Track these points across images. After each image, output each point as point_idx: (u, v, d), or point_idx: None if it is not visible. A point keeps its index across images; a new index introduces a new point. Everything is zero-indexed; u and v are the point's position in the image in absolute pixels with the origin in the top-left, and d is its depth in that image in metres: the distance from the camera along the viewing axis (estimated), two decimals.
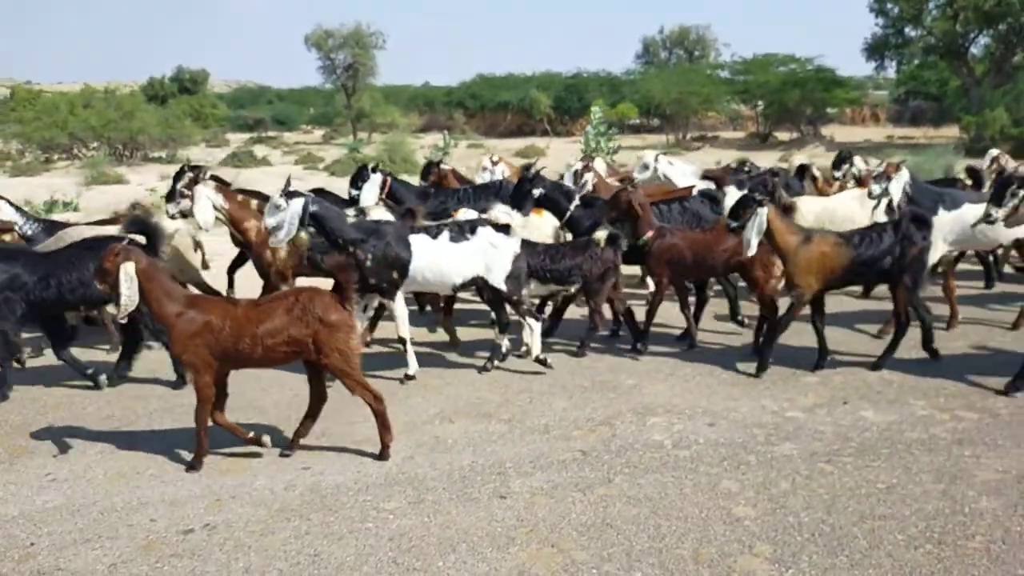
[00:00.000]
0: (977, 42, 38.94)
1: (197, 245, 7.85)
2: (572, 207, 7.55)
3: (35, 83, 75.04)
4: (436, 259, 6.44)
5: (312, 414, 5.38)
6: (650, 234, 7.16)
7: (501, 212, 6.64)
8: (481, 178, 10.38)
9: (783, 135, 43.43)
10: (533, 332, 6.70)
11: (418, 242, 6.50)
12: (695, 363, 7.04)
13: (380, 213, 7.34)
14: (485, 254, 6.52)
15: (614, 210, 7.17)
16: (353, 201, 8.52)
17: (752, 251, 6.43)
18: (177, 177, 7.61)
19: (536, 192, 7.41)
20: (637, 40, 61.93)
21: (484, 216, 6.77)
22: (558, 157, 28.32)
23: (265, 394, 6.55)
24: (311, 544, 4.32)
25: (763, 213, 6.37)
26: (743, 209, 6.43)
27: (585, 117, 49.61)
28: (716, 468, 5.08)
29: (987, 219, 6.10)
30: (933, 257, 6.91)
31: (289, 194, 6.13)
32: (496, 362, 6.94)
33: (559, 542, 4.27)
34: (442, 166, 10.49)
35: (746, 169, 11.04)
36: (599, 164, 11.15)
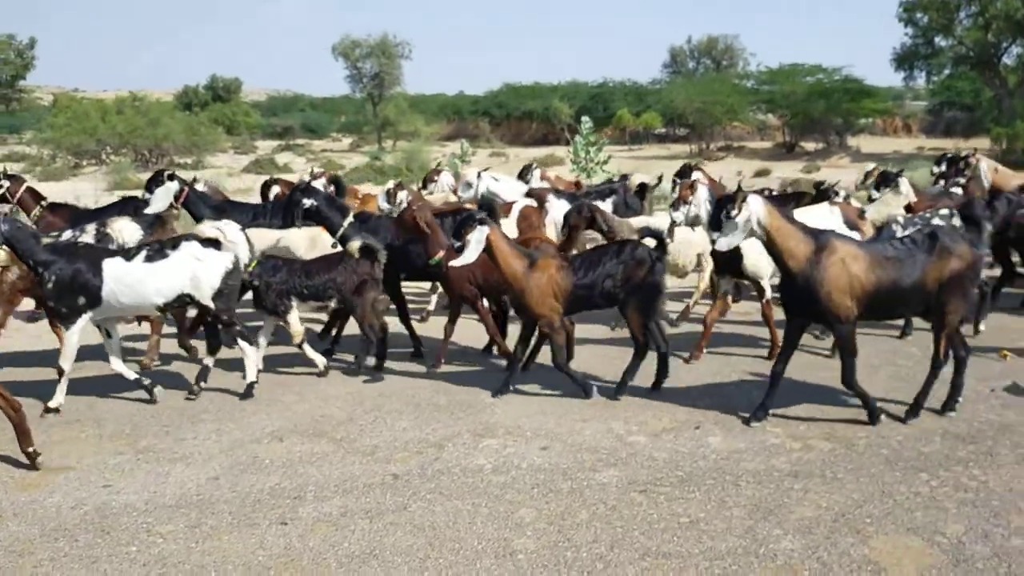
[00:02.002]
0: (1009, 52, 37.91)
1: None
2: (346, 223, 7.32)
3: (81, 90, 76.90)
4: (131, 281, 6.14)
5: None
6: (441, 253, 6.81)
7: (208, 227, 6.43)
8: (463, 193, 10.11)
9: (809, 145, 42.69)
10: (247, 356, 6.49)
11: (111, 265, 6.17)
12: (565, 384, 6.76)
13: (127, 227, 7.04)
14: (189, 271, 6.24)
15: (402, 229, 6.93)
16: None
17: (464, 263, 6.20)
18: None
19: (307, 203, 7.20)
20: (664, 50, 61.48)
21: (196, 230, 6.52)
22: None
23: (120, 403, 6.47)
24: (60, 567, 4.18)
25: (483, 232, 6.09)
26: (465, 228, 6.16)
27: (611, 126, 49.66)
28: (523, 495, 4.85)
29: (712, 244, 5.76)
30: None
31: None
32: (202, 383, 6.65)
33: (314, 574, 4.08)
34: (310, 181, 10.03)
35: (651, 184, 10.65)
36: (445, 178, 10.84)
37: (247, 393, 6.48)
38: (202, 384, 6.60)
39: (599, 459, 5.32)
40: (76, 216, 8.29)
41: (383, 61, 49.58)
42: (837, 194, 8.25)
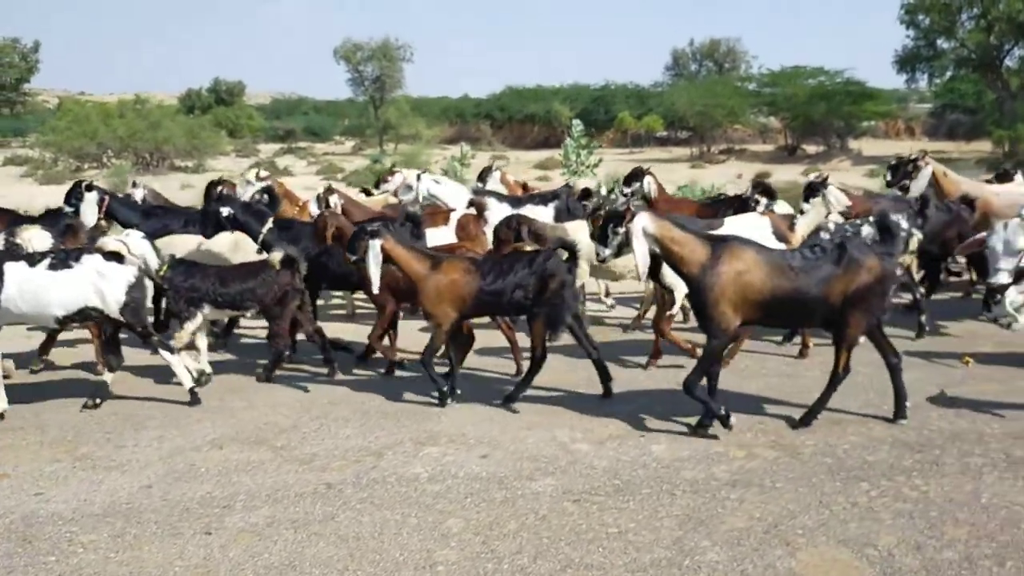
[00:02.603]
0: (1012, 54, 37.68)
1: None
2: (264, 230, 7.25)
3: (88, 93, 77.11)
4: (32, 289, 6.03)
5: None
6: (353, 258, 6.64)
7: (111, 240, 6.36)
8: (404, 195, 9.84)
9: (811, 148, 42.53)
10: (172, 365, 6.40)
11: (12, 270, 6.04)
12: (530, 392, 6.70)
13: (36, 235, 6.92)
14: (93, 284, 6.11)
15: (317, 235, 6.86)
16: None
17: (375, 283, 6.16)
18: None
19: (224, 212, 7.14)
20: (667, 52, 61.33)
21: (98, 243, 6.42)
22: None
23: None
24: None
25: (376, 245, 6.06)
26: (357, 242, 6.13)
27: (612, 129, 49.57)
28: (455, 505, 4.78)
29: (599, 258, 5.68)
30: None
31: None
32: (97, 401, 6.47)
33: None
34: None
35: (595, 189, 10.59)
36: (398, 179, 10.55)
37: (193, 400, 6.42)
38: (97, 400, 6.46)
39: (538, 468, 5.26)
40: (15, 221, 8.16)
41: (384, 64, 49.64)
42: (758, 203, 8.17)
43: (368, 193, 11.25)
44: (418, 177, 9.77)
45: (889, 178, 9.96)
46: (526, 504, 4.78)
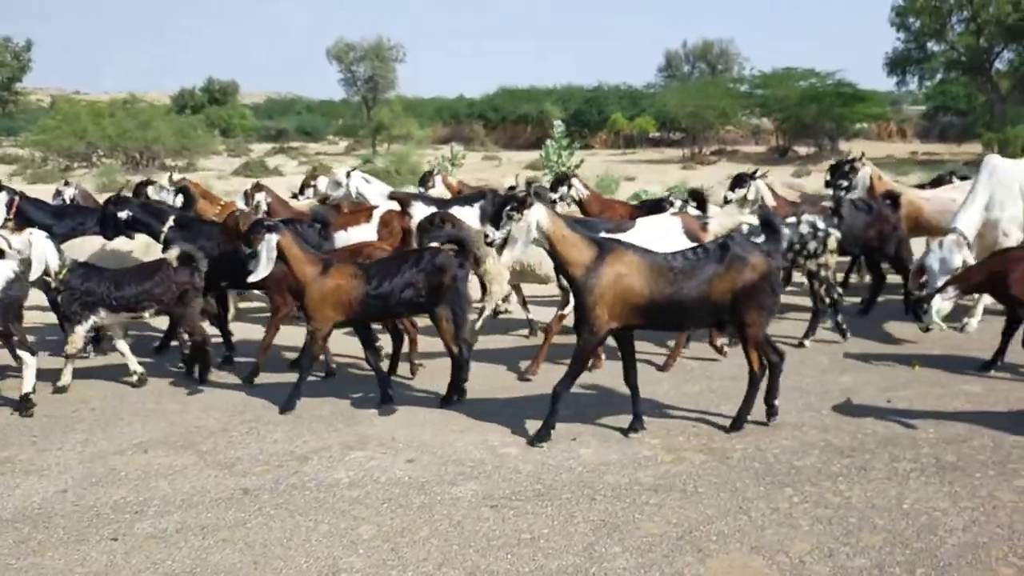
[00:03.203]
0: (1001, 57, 37.72)
1: None
2: (166, 229, 7.17)
3: (83, 92, 76.99)
4: None
5: None
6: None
7: None
8: (333, 192, 9.96)
9: (802, 150, 42.47)
10: (27, 368, 6.25)
11: None
12: (472, 395, 6.62)
13: None
14: None
15: (227, 233, 6.78)
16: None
17: (259, 276, 6.09)
18: None
19: (122, 215, 7.07)
20: (660, 54, 61.21)
21: None
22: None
23: None
24: None
25: (272, 240, 5.99)
26: (253, 235, 6.05)
27: (605, 130, 49.54)
28: (370, 511, 4.72)
29: (487, 240, 5.60)
30: None
31: None
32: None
33: None
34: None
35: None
36: (323, 182, 10.51)
37: (23, 405, 6.26)
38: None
39: (462, 472, 5.19)
40: None
41: (377, 64, 49.61)
42: (672, 204, 8.11)
43: (295, 198, 11.13)
44: (347, 175, 9.69)
45: (828, 178, 9.99)
46: (443, 510, 4.72)
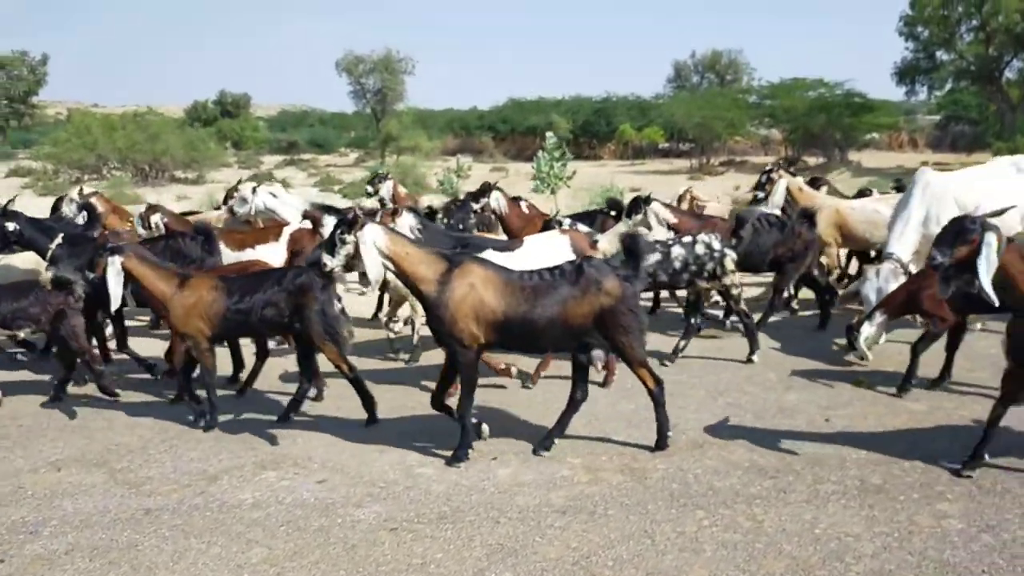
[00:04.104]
0: (1011, 66, 37.21)
1: None
2: (54, 246, 7.06)
3: (101, 105, 77.69)
4: None
5: None
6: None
7: None
8: (239, 208, 9.68)
9: (811, 160, 42.11)
10: None
11: None
12: (401, 414, 6.50)
13: None
14: None
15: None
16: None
17: (115, 302, 6.00)
18: None
19: (9, 227, 6.99)
20: (669, 64, 61.00)
21: None
22: (577, 181, 27.81)
23: None
24: None
25: (116, 262, 5.89)
26: (96, 259, 5.98)
27: (613, 141, 49.36)
28: (266, 534, 4.61)
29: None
30: None
31: None
32: None
33: None
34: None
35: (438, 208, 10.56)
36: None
37: None
38: None
39: (370, 493, 5.07)
40: None
41: (386, 77, 49.67)
42: (560, 223, 7.98)
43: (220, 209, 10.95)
44: (253, 190, 9.51)
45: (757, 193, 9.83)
46: (340, 533, 4.60)
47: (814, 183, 11.82)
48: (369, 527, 4.66)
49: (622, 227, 6.00)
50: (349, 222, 5.21)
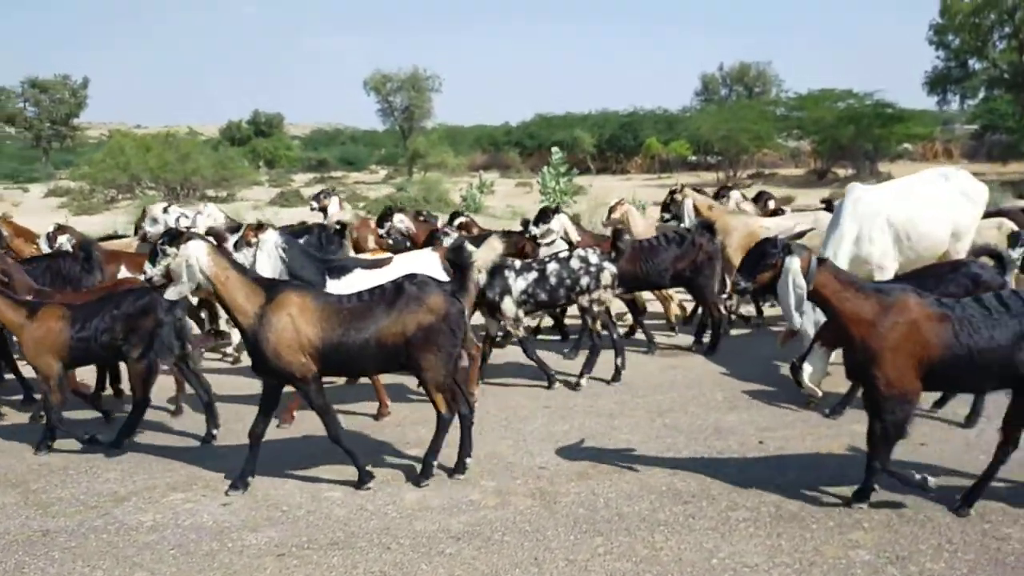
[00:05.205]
0: None
1: None
2: None
3: (143, 126, 79.25)
4: None
5: None
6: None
7: None
8: (150, 228, 9.57)
9: (841, 172, 41.49)
10: None
11: None
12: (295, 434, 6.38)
13: None
14: None
15: None
16: None
17: None
18: None
19: None
20: (696, 77, 60.66)
21: None
22: (596, 196, 27.70)
23: None
24: None
25: None
26: None
27: (640, 155, 49.14)
28: (152, 558, 4.54)
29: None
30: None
31: None
32: None
33: None
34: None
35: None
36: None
37: None
38: None
39: (270, 517, 4.98)
40: None
41: (412, 95, 50.04)
42: (448, 234, 7.82)
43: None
44: (164, 210, 9.41)
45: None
46: (226, 558, 4.52)
47: (759, 199, 11.75)
48: (257, 552, 4.57)
49: (496, 241, 5.85)
50: (175, 234, 5.11)
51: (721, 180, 41.02)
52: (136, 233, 10.46)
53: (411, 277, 5.12)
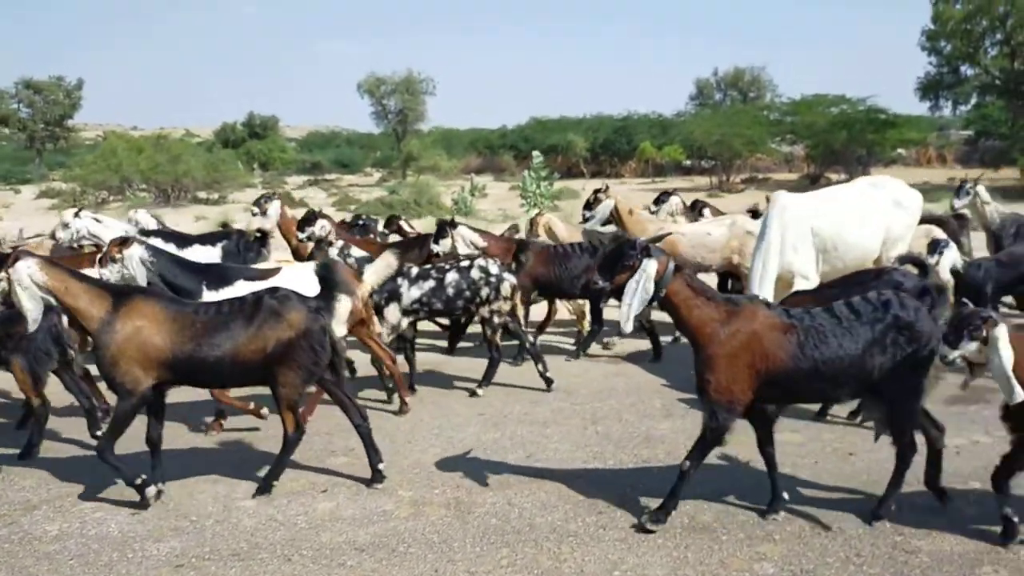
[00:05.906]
0: None
1: None
2: None
3: (139, 128, 79.25)
4: None
5: None
6: None
7: None
8: (61, 233, 9.25)
9: (835, 177, 41.41)
10: None
11: None
12: (252, 443, 6.32)
13: None
14: None
15: None
16: None
17: None
18: None
19: None
20: (691, 82, 60.62)
21: None
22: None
23: None
24: None
25: None
26: None
27: (634, 159, 49.11)
28: (49, 568, 4.47)
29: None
30: None
31: None
32: None
33: None
34: None
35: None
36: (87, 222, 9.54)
37: None
38: None
39: (176, 527, 4.90)
40: None
41: (407, 98, 50.01)
42: (325, 247, 7.75)
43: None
44: (75, 215, 9.23)
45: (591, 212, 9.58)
46: (124, 568, 4.45)
47: (695, 206, 11.68)
48: (156, 563, 4.49)
49: (390, 255, 5.76)
50: (1, 258, 4.99)
51: (714, 184, 41.07)
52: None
53: (272, 291, 5.03)
